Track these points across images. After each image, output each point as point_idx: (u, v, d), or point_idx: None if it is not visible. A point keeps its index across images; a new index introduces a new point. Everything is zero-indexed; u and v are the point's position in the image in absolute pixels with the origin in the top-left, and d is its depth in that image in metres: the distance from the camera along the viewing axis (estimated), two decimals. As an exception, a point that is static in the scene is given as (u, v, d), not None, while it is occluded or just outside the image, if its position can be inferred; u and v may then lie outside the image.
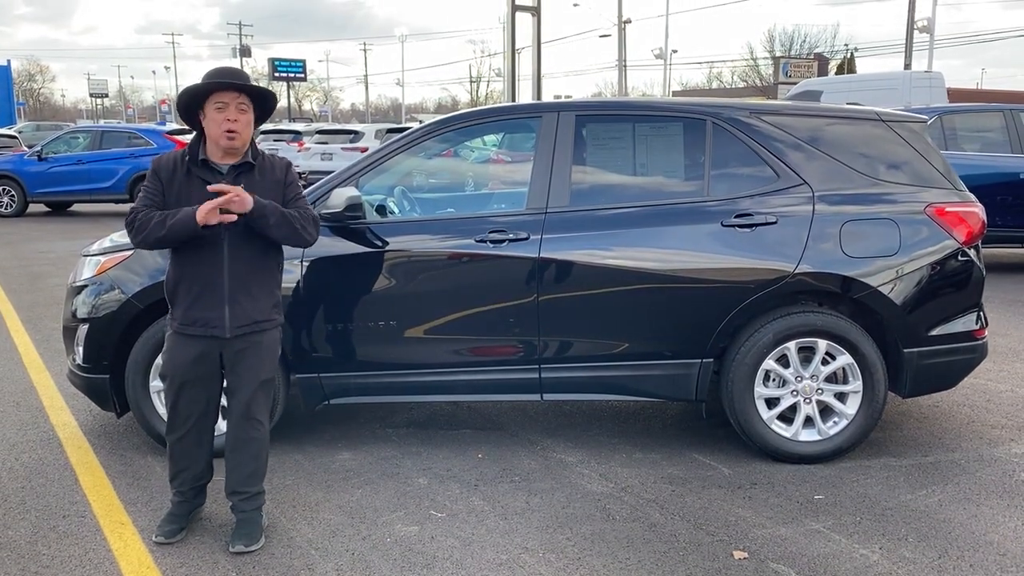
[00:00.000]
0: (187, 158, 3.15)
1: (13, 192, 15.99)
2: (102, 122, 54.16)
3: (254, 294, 3.18)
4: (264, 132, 24.30)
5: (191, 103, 3.15)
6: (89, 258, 4.33)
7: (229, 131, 3.07)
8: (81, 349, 4.16)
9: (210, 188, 3.03)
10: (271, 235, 3.17)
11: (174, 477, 3.36)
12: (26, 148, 19.28)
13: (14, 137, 23.94)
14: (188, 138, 19.11)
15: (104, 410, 4.36)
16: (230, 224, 3.08)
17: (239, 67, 3.15)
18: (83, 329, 4.15)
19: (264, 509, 3.38)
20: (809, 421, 4.04)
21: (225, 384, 3.35)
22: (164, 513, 3.40)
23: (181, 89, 3.16)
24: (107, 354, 4.10)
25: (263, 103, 3.21)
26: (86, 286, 4.19)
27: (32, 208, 16.46)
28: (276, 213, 3.13)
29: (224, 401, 3.52)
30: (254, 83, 3.20)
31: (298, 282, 4.01)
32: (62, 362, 5.30)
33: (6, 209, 15.98)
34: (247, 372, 3.21)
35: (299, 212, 3.22)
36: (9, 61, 49.50)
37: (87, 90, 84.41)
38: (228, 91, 3.09)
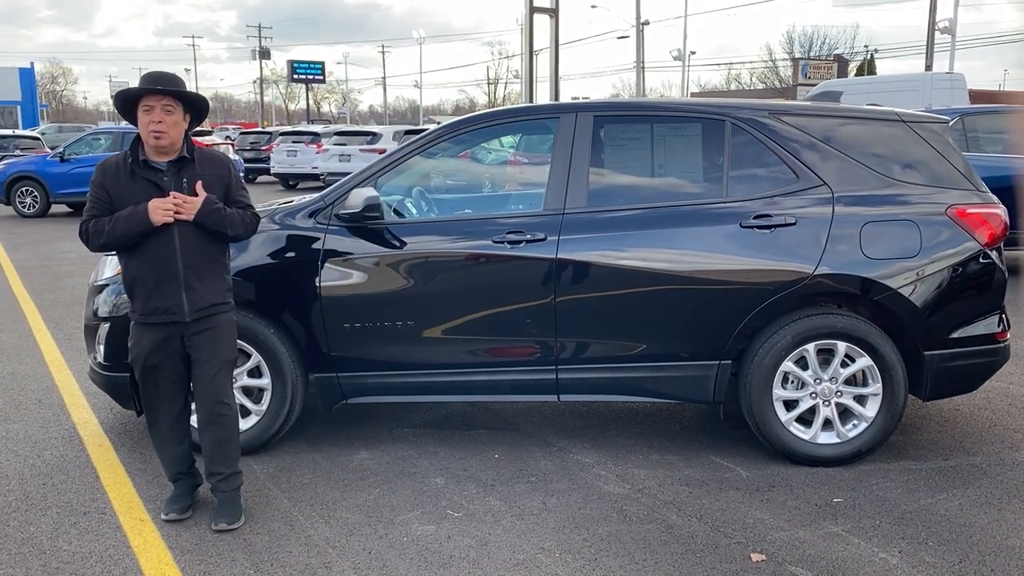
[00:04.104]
0: (129, 160, 3.32)
1: (36, 193, 16.21)
2: (123, 124, 54.55)
3: (206, 280, 3.38)
4: (283, 134, 24.47)
5: (126, 108, 3.34)
6: (110, 258, 4.36)
7: (155, 132, 3.26)
8: (102, 348, 4.20)
9: (172, 195, 3.26)
10: (218, 233, 3.39)
11: (162, 464, 3.60)
12: (49, 149, 19.49)
13: (37, 139, 24.19)
14: (207, 139, 19.25)
15: (124, 408, 4.40)
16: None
17: (172, 73, 3.36)
18: (104, 328, 4.19)
19: (242, 490, 3.54)
20: (828, 424, 4.02)
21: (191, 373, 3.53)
22: (169, 494, 3.60)
23: (115, 93, 3.34)
24: (127, 353, 4.13)
25: (195, 107, 3.38)
26: (107, 285, 4.24)
27: (54, 209, 16.65)
28: (215, 216, 3.33)
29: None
30: (183, 89, 3.35)
31: (316, 281, 4.04)
32: (83, 360, 5.35)
33: (29, 209, 16.20)
34: (209, 354, 3.40)
35: (238, 212, 3.42)
36: (32, 64, 50.16)
37: (108, 92, 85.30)
38: (153, 95, 3.26)
